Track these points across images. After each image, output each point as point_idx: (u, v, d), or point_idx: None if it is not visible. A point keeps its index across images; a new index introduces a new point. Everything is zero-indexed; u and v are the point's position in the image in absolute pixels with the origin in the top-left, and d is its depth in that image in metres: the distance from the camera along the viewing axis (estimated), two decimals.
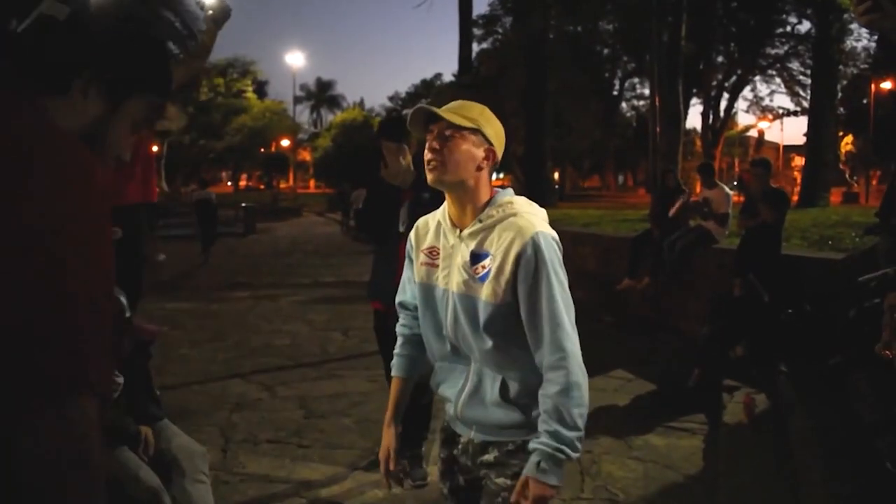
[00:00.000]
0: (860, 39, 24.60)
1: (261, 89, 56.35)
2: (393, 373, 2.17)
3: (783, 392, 4.87)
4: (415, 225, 2.10)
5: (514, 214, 1.87)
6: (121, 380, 2.92)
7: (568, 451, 1.79)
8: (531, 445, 1.79)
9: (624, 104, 40.61)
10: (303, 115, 73.61)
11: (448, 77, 32.93)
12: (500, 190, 1.96)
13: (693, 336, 6.69)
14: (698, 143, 37.79)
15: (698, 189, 8.61)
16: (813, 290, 5.82)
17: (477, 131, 1.90)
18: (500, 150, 1.96)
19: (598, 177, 61.18)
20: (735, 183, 36.94)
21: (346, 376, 6.12)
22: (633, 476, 4.08)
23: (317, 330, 8.13)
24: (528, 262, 1.79)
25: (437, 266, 1.96)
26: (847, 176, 41.07)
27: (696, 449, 4.46)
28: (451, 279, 1.92)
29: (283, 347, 7.35)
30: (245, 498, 3.87)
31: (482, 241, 1.88)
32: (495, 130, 1.94)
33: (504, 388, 1.89)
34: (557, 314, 1.81)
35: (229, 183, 70.73)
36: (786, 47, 29.12)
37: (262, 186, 66.33)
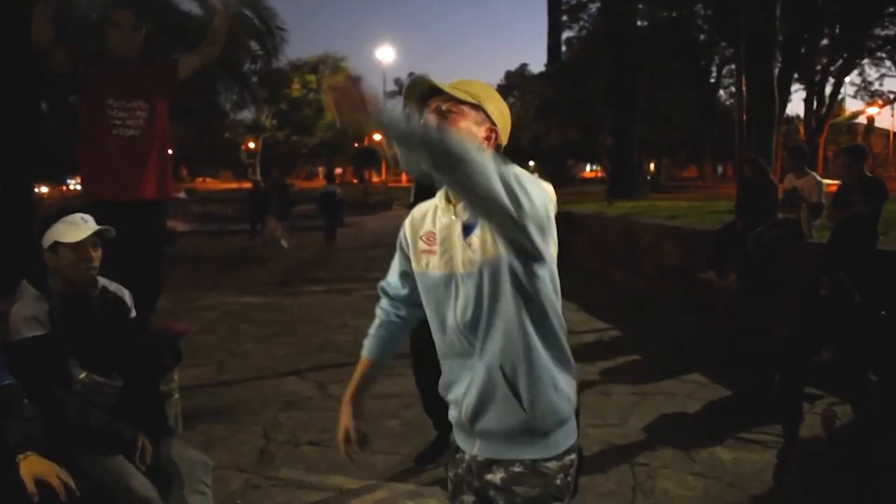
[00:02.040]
0: None
1: None
2: (362, 352, 2.08)
3: (871, 405, 4.36)
4: (410, 213, 1.94)
5: None
6: (119, 384, 2.77)
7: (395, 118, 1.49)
8: None
9: (722, 92, 39.11)
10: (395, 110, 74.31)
11: (534, 67, 32.50)
12: None
13: (778, 338, 6.17)
14: (801, 130, 35.98)
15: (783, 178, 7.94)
16: None
17: (478, 108, 1.76)
18: (504, 132, 1.81)
19: (696, 167, 59.30)
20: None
21: (403, 375, 5.84)
22: (692, 495, 3.69)
23: None
24: None
25: (436, 252, 1.80)
26: None
27: (768, 464, 4.01)
28: (454, 262, 1.76)
29: (346, 343, 7.20)
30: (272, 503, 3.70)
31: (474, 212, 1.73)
32: (499, 109, 1.80)
33: (514, 380, 1.71)
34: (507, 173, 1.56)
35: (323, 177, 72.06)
36: None
37: (355, 180, 67.30)
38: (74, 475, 2.40)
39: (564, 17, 27.06)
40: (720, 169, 61.16)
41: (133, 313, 2.94)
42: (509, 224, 1.56)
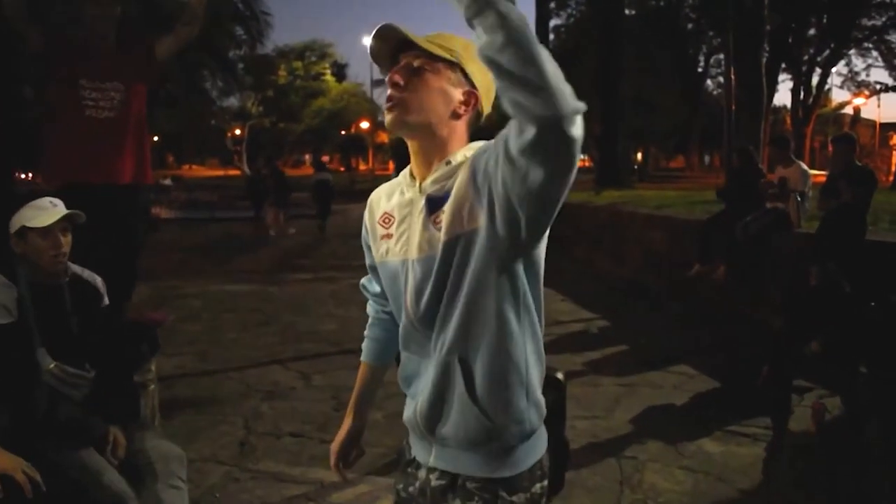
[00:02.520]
0: None
1: (340, 72, 56.68)
2: (361, 357, 1.86)
3: (861, 397, 4.32)
4: (369, 199, 1.69)
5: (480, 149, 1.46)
6: (90, 375, 2.67)
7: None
8: None
9: (710, 81, 39.14)
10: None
11: None
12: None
13: (769, 328, 6.13)
14: (788, 121, 36.05)
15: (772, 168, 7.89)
16: None
17: (456, 66, 1.48)
18: (486, 97, 1.53)
19: (683, 157, 59.38)
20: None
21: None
22: (680, 489, 3.61)
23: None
24: (478, 158, 1.41)
25: (392, 236, 1.56)
26: None
27: (756, 458, 3.96)
28: (409, 245, 1.51)
29: (330, 333, 7.10)
30: (251, 498, 3.61)
31: (444, 185, 1.47)
32: (481, 70, 1.46)
33: (472, 379, 1.46)
34: None
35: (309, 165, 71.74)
36: (883, 18, 27.31)
37: (342, 168, 67.07)
38: (42, 470, 2.31)
39: (553, 5, 26.89)
40: (707, 159, 61.30)
41: (105, 301, 2.84)
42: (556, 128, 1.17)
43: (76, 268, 2.76)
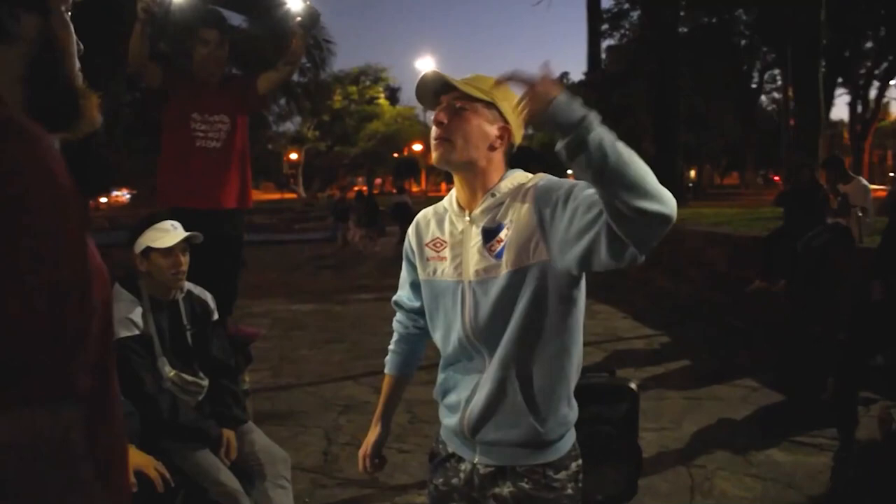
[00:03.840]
0: None
1: (393, 95, 57.50)
2: (385, 370, 2.06)
3: None
4: (415, 220, 1.90)
5: (523, 183, 1.69)
6: (205, 383, 2.94)
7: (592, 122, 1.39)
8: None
9: (764, 97, 38.71)
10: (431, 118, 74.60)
11: (577, 76, 32.47)
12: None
13: (831, 343, 6.17)
14: (846, 135, 35.42)
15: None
16: None
17: (492, 105, 1.68)
18: (517, 131, 1.73)
19: (738, 174, 58.60)
20: (894, 174, 34.38)
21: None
22: (750, 496, 3.74)
23: None
24: (545, 203, 1.60)
25: (445, 259, 1.75)
26: None
27: (824, 467, 4.06)
28: (465, 268, 1.71)
29: None
30: (338, 502, 3.84)
31: (495, 216, 1.68)
32: (512, 107, 1.67)
33: (528, 391, 1.66)
34: None
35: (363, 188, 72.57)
36: None
37: (394, 190, 67.71)
38: (167, 468, 2.58)
39: (605, 26, 27.04)
40: (762, 175, 60.32)
41: (216, 316, 3.11)
42: (660, 225, 1.39)
43: (189, 285, 3.04)
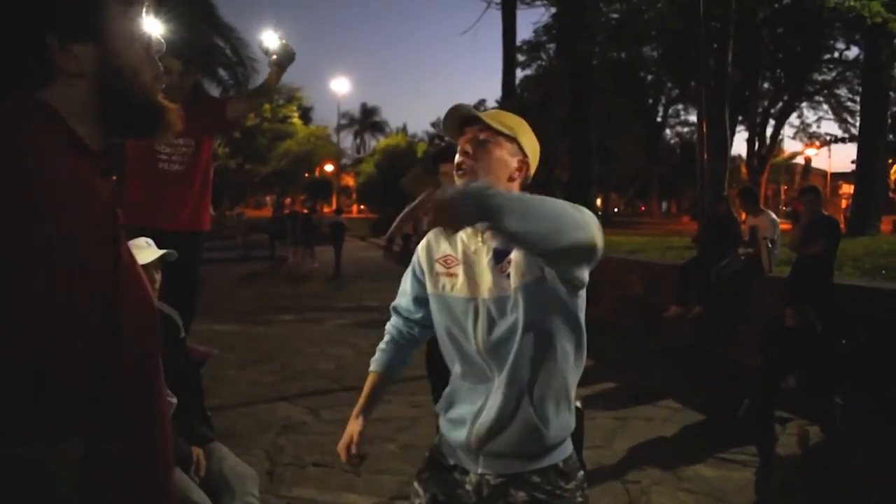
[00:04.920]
0: None
1: (306, 115, 57.11)
2: (371, 367, 2.10)
3: (839, 425, 4.74)
4: (426, 237, 1.99)
5: None
6: (174, 400, 2.96)
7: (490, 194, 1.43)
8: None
9: (668, 131, 40.38)
10: (346, 140, 74.47)
11: (491, 103, 33.11)
12: None
13: (744, 365, 6.57)
14: (744, 169, 37.30)
15: (744, 216, 8.45)
16: (867, 320, 5.69)
17: (513, 140, 1.82)
18: (533, 165, 1.87)
19: (642, 203, 60.70)
20: (784, 208, 36.30)
21: (391, 401, 6.09)
22: None
23: (361, 353, 8.11)
24: None
25: (456, 275, 1.84)
26: None
27: (749, 482, 4.35)
28: (479, 287, 1.79)
29: (329, 371, 7.37)
30: None
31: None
32: (530, 142, 1.86)
33: (537, 403, 1.74)
34: None
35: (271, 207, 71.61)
36: (833, 73, 28.64)
37: (305, 210, 67.08)
38: None
39: (524, 57, 27.75)
40: (665, 206, 62.71)
41: (183, 333, 3.13)
42: (587, 257, 1.59)
43: (160, 303, 3.05)
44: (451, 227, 1.47)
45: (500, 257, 1.77)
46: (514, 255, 1.75)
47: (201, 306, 12.45)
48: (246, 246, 24.89)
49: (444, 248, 1.91)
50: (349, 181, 66.39)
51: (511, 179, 1.82)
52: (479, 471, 1.81)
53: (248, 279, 17.10)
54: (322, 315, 11.11)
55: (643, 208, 60.56)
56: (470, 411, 1.81)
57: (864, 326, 5.50)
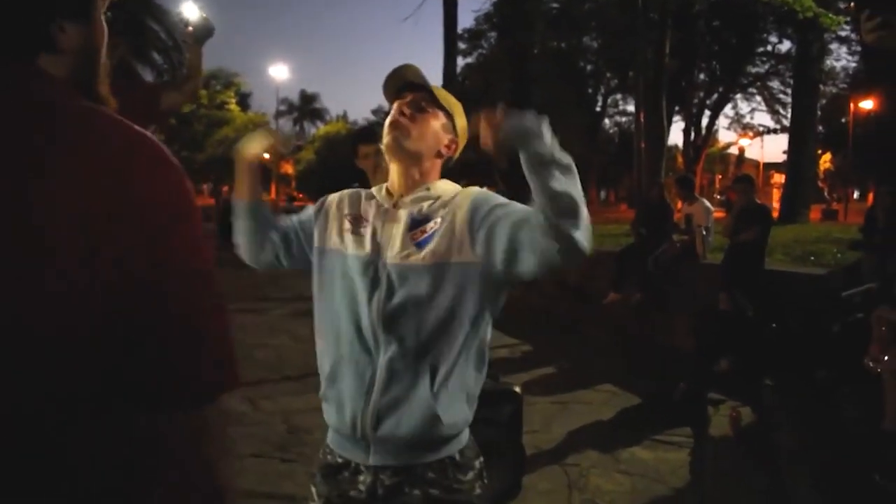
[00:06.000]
0: (840, 59, 24.96)
1: (244, 101, 56.15)
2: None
3: (769, 405, 4.88)
4: (340, 193, 1.88)
5: (459, 189, 1.75)
6: None
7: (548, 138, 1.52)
8: None
9: (607, 120, 40.94)
10: (286, 127, 73.43)
11: None
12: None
13: (678, 350, 6.71)
14: (680, 159, 38.08)
15: (679, 205, 8.62)
16: (797, 305, 5.86)
17: (450, 117, 1.79)
18: (460, 148, 1.83)
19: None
20: (718, 196, 37.19)
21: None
22: (622, 490, 4.06)
23: (301, 342, 8.02)
24: (480, 207, 1.64)
25: (363, 235, 1.71)
26: (825, 193, 41.49)
27: (684, 462, 4.45)
28: (384, 249, 1.66)
29: (268, 360, 7.27)
30: None
31: (424, 207, 1.70)
32: (463, 126, 1.82)
33: (441, 390, 1.61)
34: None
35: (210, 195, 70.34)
36: (766, 66, 29.48)
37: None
38: None
39: (464, 45, 27.79)
40: (603, 194, 63.64)
41: None
42: (574, 258, 1.50)
43: None
44: (496, 135, 1.48)
45: (414, 224, 1.67)
46: (434, 229, 1.64)
47: None
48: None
49: (356, 207, 1.80)
50: (288, 169, 65.56)
51: (439, 155, 1.77)
52: (371, 463, 1.66)
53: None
54: (261, 305, 10.94)
55: None
56: (357, 391, 1.64)
57: (793, 311, 5.67)
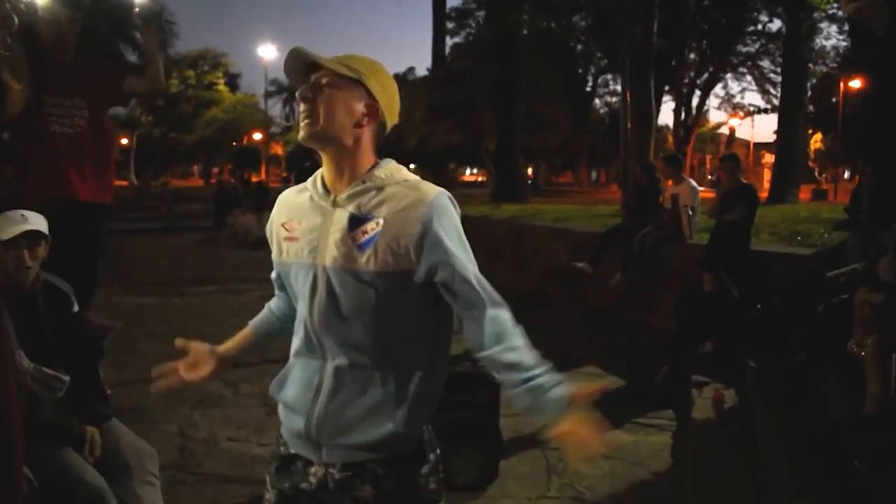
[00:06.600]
0: (830, 38, 24.91)
1: (233, 82, 55.70)
2: (251, 322, 2.01)
3: (751, 388, 4.84)
4: (278, 198, 1.81)
5: (406, 179, 1.64)
6: (67, 378, 2.79)
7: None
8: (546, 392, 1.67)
9: (597, 100, 40.76)
10: (275, 108, 72.89)
11: (421, 71, 32.79)
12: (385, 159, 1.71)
13: (663, 331, 6.65)
14: (670, 139, 38.01)
15: (669, 183, 8.53)
16: (782, 286, 5.82)
17: (358, 83, 1.64)
18: (389, 109, 1.69)
19: (571, 173, 61.30)
20: (710, 177, 37.17)
21: None
22: (601, 474, 4.01)
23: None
24: (431, 227, 1.56)
25: (297, 239, 1.67)
26: (816, 173, 41.52)
27: (665, 445, 4.41)
28: (321, 252, 1.61)
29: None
30: (201, 499, 3.76)
31: (364, 204, 1.60)
32: (382, 84, 1.67)
33: (377, 389, 1.60)
34: (479, 276, 1.65)
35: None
36: (757, 45, 29.39)
37: (232, 179, 65.82)
38: (28, 468, 2.43)
39: (452, 24, 27.57)
40: (594, 175, 63.55)
41: (76, 308, 2.96)
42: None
43: (49, 276, 2.86)
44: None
45: (355, 224, 1.59)
46: (376, 231, 1.57)
47: (118, 278, 12.17)
48: (172, 217, 24.16)
49: (290, 211, 1.73)
50: (278, 150, 65.21)
51: (359, 125, 1.64)
52: (324, 460, 1.65)
53: (183, 249, 16.63)
54: (244, 286, 10.84)
55: (571, 178, 61.18)
56: (305, 396, 1.66)
57: (778, 291, 5.62)
